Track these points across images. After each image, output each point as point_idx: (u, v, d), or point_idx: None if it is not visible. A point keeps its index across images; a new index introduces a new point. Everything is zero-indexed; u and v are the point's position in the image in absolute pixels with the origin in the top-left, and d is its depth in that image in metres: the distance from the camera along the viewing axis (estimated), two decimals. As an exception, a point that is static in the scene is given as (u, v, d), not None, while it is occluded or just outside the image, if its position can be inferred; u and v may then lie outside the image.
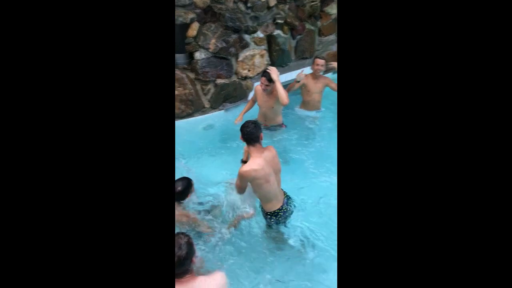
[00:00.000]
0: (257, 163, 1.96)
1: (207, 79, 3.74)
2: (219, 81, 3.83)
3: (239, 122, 3.11)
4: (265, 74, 3.00)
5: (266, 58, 4.19)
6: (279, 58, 4.26)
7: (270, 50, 4.20)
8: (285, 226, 2.22)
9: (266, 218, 2.17)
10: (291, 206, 2.22)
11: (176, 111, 3.63)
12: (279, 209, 2.11)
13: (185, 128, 3.66)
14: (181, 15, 3.40)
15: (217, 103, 3.92)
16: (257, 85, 3.19)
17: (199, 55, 3.63)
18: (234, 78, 3.95)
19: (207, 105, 3.89)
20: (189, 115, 3.76)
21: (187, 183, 2.20)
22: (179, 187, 2.14)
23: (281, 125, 3.34)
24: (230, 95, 3.98)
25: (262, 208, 2.17)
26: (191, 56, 3.66)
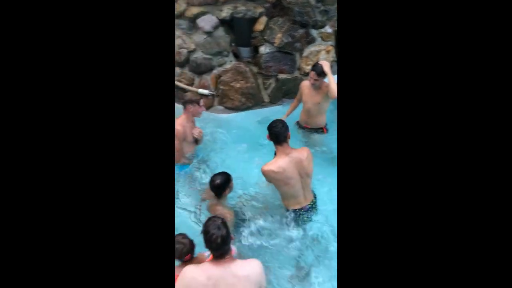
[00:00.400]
0: (278, 165, 1.98)
1: (270, 74, 3.76)
2: (281, 76, 3.82)
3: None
4: (315, 67, 2.88)
5: (332, 55, 4.01)
6: (346, 55, 4.04)
7: (337, 46, 4.00)
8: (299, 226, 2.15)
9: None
10: (310, 214, 2.16)
11: (237, 103, 3.74)
12: (296, 209, 2.12)
13: (241, 120, 3.76)
14: (250, 9, 3.44)
15: (276, 98, 3.93)
16: (304, 81, 3.10)
17: (264, 49, 3.65)
18: (296, 73, 3.89)
19: (266, 99, 3.92)
20: (248, 108, 3.84)
21: (226, 178, 2.12)
22: (217, 181, 2.08)
23: (322, 129, 3.16)
24: (290, 90, 3.94)
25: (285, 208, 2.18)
26: (256, 50, 3.70)
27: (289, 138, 2.05)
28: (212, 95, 3.85)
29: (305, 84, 3.05)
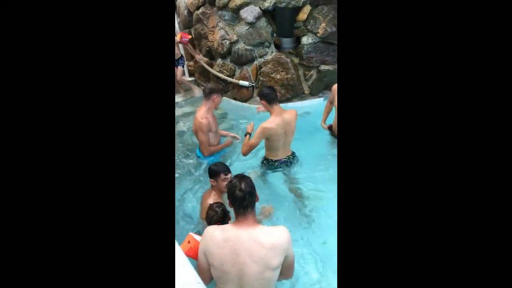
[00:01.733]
0: (275, 123, 2.35)
1: (311, 65, 3.67)
2: (323, 67, 3.71)
3: (325, 128, 2.92)
4: None
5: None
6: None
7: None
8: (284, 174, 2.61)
9: (264, 163, 2.62)
10: (291, 161, 2.61)
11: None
12: (278, 160, 2.56)
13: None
14: (294, -1, 3.37)
15: (317, 90, 3.84)
16: (336, 84, 2.78)
17: (306, 39, 3.57)
18: (339, 65, 3.76)
19: (306, 91, 3.85)
20: (288, 100, 3.81)
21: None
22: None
23: None
24: (332, 82, 3.82)
25: (264, 157, 2.62)
26: (298, 40, 3.63)
27: (278, 98, 2.46)
28: (252, 86, 3.87)
29: (336, 89, 2.73)
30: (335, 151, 2.86)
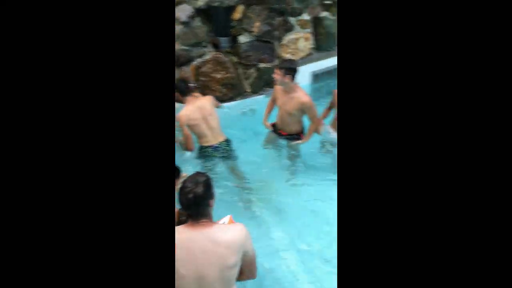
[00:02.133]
0: (189, 109, 2.55)
1: (250, 63, 3.73)
2: (261, 65, 3.80)
3: (268, 127, 2.91)
4: (284, 63, 2.51)
5: (311, 42, 4.04)
6: (324, 42, 4.08)
7: (315, 34, 4.03)
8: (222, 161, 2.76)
9: (200, 151, 2.72)
10: (225, 148, 2.73)
11: (218, 94, 3.70)
12: (210, 145, 2.67)
13: (226, 112, 3.73)
14: (227, -2, 3.38)
15: (258, 88, 3.92)
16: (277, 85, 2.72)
17: (243, 38, 3.61)
18: (276, 62, 3.89)
19: (248, 89, 3.90)
20: (231, 99, 3.81)
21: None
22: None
23: (299, 135, 2.81)
24: (271, 80, 3.94)
25: (199, 146, 2.72)
26: (234, 39, 3.66)
27: (191, 90, 2.65)
28: (194, 87, 3.78)
29: (278, 89, 2.68)
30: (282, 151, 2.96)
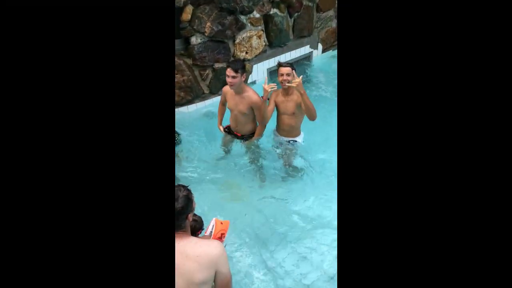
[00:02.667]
0: None
1: (205, 64, 3.69)
2: (217, 65, 3.78)
3: (221, 129, 2.89)
4: (232, 64, 2.40)
5: (264, 39, 4.09)
6: (277, 38, 4.17)
7: (267, 31, 4.09)
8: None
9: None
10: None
11: (176, 99, 3.61)
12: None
13: (187, 116, 3.65)
14: (174, -1, 3.30)
15: (216, 88, 3.89)
16: (226, 86, 2.65)
17: (195, 40, 3.56)
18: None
19: (206, 90, 3.86)
20: (189, 102, 3.74)
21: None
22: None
23: (254, 134, 2.78)
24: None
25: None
26: (187, 41, 3.59)
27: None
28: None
29: (227, 91, 2.64)
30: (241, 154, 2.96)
